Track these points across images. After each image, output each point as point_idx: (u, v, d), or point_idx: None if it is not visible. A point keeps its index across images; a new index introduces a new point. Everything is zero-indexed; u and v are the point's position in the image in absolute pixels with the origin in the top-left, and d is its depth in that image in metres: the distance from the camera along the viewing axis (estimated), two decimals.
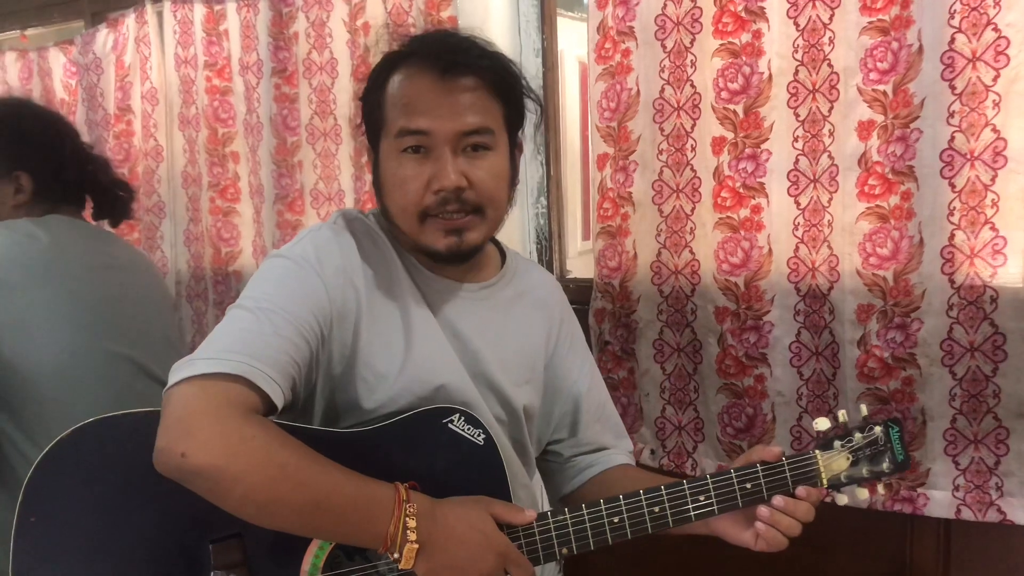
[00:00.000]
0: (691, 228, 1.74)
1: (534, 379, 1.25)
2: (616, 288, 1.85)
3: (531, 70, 1.91)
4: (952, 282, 1.49)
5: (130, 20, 2.53)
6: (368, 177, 2.13)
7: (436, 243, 1.09)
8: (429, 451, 1.05)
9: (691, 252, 1.74)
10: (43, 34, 2.91)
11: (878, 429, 1.14)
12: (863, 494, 1.14)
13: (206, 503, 0.89)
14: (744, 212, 1.68)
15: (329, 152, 2.25)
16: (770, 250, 1.66)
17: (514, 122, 1.15)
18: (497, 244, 1.30)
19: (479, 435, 1.06)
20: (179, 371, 0.92)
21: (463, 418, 1.06)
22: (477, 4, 1.85)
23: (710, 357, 1.75)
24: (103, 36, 2.58)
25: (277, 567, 0.98)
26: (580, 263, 2.29)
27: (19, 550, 0.95)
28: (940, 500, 1.56)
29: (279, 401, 0.95)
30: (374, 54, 1.17)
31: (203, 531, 0.97)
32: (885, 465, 1.13)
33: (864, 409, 1.16)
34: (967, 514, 1.54)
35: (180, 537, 0.97)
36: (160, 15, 2.49)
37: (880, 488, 1.16)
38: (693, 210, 1.73)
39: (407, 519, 0.93)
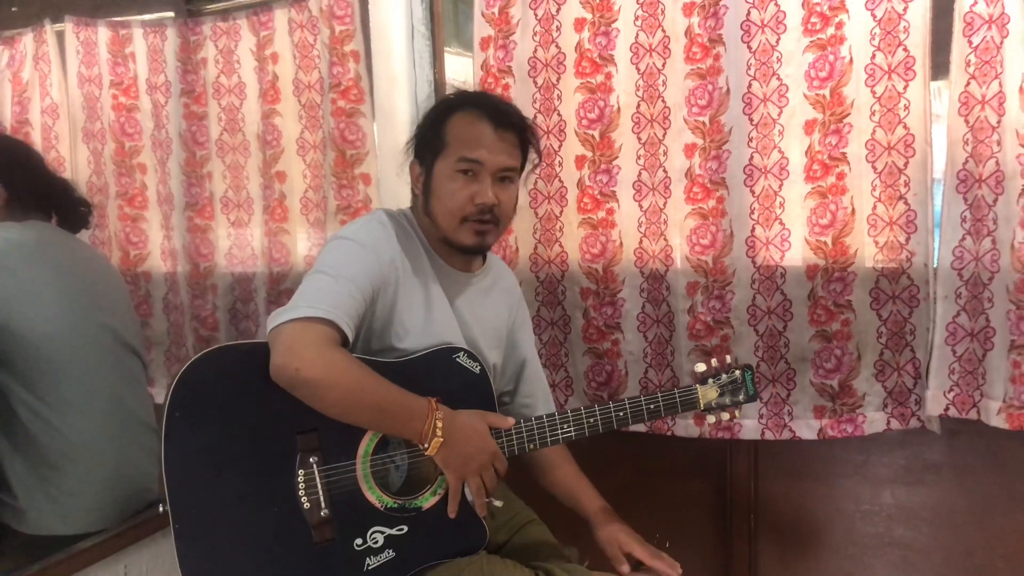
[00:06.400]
0: (560, 227, 2.16)
1: (500, 345, 1.66)
2: None
3: (423, 96, 2.26)
4: (754, 263, 1.97)
5: (27, 39, 2.66)
6: (278, 186, 2.42)
7: (467, 240, 1.48)
8: (443, 377, 1.45)
9: (561, 246, 2.16)
10: None
11: (738, 372, 1.57)
12: (726, 416, 1.57)
13: (293, 406, 1.27)
14: (601, 214, 2.11)
15: (238, 164, 2.46)
16: (621, 243, 2.10)
17: (523, 166, 1.58)
18: None
19: (476, 367, 1.48)
20: (282, 315, 1.28)
21: (466, 355, 1.48)
22: (381, 44, 2.16)
23: (577, 328, 2.18)
24: None
25: (341, 450, 1.36)
26: None
27: (169, 435, 1.28)
28: (749, 427, 2.05)
29: (351, 338, 1.33)
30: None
31: (291, 426, 1.33)
32: (742, 397, 1.56)
33: (730, 359, 1.58)
34: (769, 435, 2.04)
35: (276, 430, 1.33)
36: (61, 35, 2.62)
37: (737, 413, 1.58)
38: (562, 212, 2.15)
39: (437, 421, 1.33)
